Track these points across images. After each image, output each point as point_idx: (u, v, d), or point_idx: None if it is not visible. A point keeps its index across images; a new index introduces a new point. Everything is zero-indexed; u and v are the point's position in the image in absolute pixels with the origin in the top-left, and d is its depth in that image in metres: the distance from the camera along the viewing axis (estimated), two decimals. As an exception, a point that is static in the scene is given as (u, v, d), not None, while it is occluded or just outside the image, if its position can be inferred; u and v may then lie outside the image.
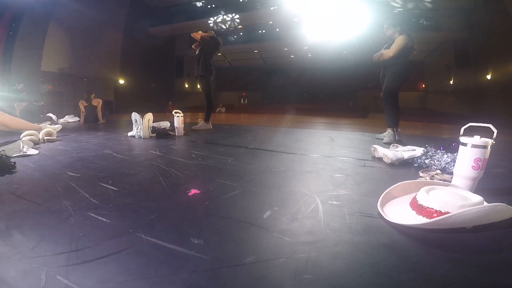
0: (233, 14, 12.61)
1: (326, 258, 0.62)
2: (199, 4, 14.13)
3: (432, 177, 1.23)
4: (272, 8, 10.80)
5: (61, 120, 4.71)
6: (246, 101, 21.40)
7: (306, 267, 0.58)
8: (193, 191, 1.07)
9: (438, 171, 1.27)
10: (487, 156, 0.97)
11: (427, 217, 0.76)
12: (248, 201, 0.99)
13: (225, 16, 12.50)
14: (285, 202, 0.97)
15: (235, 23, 12.67)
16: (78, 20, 10.82)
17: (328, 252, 0.64)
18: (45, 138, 2.32)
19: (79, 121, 4.79)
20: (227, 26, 12.76)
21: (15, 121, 2.45)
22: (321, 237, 0.71)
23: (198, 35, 3.39)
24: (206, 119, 3.47)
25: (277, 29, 14.66)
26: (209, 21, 12.78)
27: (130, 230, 0.74)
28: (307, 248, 0.65)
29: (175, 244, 0.67)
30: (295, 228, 0.76)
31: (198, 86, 3.52)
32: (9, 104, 5.01)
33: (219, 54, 3.70)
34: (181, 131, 2.78)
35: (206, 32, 3.48)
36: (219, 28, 12.47)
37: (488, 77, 9.19)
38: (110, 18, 12.15)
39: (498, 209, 0.72)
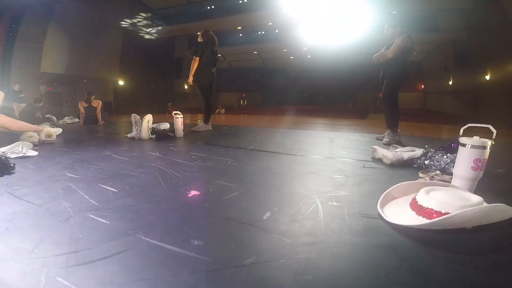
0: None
1: (326, 259, 0.62)
2: (198, 5, 14.14)
3: (431, 178, 1.23)
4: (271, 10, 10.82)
5: (60, 122, 4.71)
6: (245, 102, 21.46)
7: (306, 268, 0.58)
8: (193, 193, 1.07)
9: (438, 172, 1.27)
10: (487, 156, 0.98)
11: (427, 218, 0.76)
12: (248, 202, 0.99)
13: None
14: (285, 203, 0.97)
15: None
16: (78, 21, 10.83)
17: (328, 253, 0.64)
18: (44, 139, 2.32)
19: (78, 122, 4.79)
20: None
21: (15, 123, 2.44)
22: (321, 238, 0.71)
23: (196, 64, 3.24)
24: (206, 121, 3.47)
25: (276, 30, 14.70)
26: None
27: (130, 232, 0.74)
28: (307, 249, 0.65)
29: (175, 246, 0.67)
30: (295, 229, 0.76)
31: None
32: (8, 105, 5.00)
33: (218, 55, 3.64)
34: (181, 133, 2.78)
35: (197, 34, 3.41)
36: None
37: (487, 77, 9.22)
38: (110, 19, 12.16)
39: (498, 210, 0.72)
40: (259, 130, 3.60)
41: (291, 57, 17.86)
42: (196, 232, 0.74)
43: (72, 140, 2.67)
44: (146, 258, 0.62)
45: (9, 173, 1.32)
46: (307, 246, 0.67)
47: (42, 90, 10.88)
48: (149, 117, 2.61)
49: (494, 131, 1.00)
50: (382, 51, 2.61)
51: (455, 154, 1.10)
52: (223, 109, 12.64)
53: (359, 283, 0.54)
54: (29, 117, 4.45)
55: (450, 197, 0.80)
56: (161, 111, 10.98)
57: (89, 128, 3.88)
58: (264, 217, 0.84)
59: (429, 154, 1.52)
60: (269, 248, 0.67)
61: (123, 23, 13.22)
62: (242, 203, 0.97)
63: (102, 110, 4.88)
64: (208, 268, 0.58)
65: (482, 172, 0.99)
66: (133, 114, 2.65)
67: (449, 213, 0.72)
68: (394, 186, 0.98)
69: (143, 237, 0.71)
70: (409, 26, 2.68)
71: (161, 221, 0.82)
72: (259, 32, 15.62)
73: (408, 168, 1.49)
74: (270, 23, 13.66)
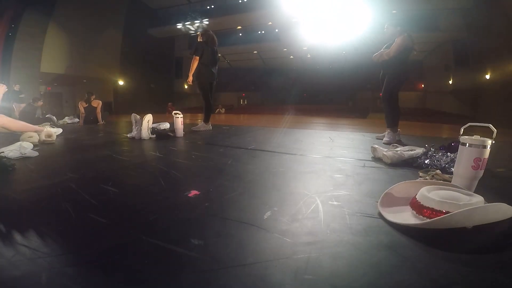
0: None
1: (327, 258, 0.62)
2: (198, 5, 14.14)
3: (432, 177, 1.22)
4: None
5: (60, 122, 4.72)
6: (245, 102, 21.45)
7: (307, 267, 0.58)
8: (193, 192, 1.07)
9: (438, 171, 1.27)
10: (487, 155, 0.97)
11: (428, 217, 0.76)
12: (248, 201, 0.99)
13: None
14: (285, 202, 0.97)
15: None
16: (78, 21, 10.83)
17: (329, 252, 0.64)
18: (44, 139, 2.32)
19: (78, 122, 4.80)
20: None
21: (15, 123, 2.45)
22: (321, 238, 0.71)
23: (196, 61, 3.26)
24: (206, 120, 3.47)
25: (276, 30, 14.70)
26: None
27: (130, 231, 0.74)
28: (307, 249, 0.65)
29: (175, 245, 0.67)
30: (295, 228, 0.76)
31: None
32: (8, 105, 5.00)
33: (219, 54, 3.64)
34: (181, 132, 2.78)
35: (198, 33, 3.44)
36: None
37: (487, 77, 9.21)
38: (109, 19, 12.16)
39: (498, 209, 0.72)
40: (259, 130, 3.60)
41: (291, 57, 17.85)
42: (196, 232, 0.74)
43: (72, 140, 2.67)
44: (146, 257, 0.62)
45: (10, 174, 1.32)
46: (308, 246, 0.67)
47: (42, 90, 10.87)
48: (149, 117, 2.61)
49: (494, 130, 0.99)
50: (382, 50, 2.61)
51: (455, 153, 1.09)
52: (223, 109, 12.66)
53: (360, 283, 0.54)
54: (29, 117, 4.45)
55: (451, 196, 0.80)
56: (161, 111, 10.98)
57: (89, 128, 3.88)
58: (264, 217, 0.83)
59: (429, 153, 1.52)
60: (269, 247, 0.67)
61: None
62: (242, 203, 0.97)
63: (102, 110, 4.88)
64: (208, 267, 0.58)
65: (483, 171, 0.99)
66: (133, 114, 2.65)
67: (450, 213, 0.72)
68: (395, 185, 0.97)
69: (143, 237, 0.70)
70: (409, 26, 2.68)
71: (161, 220, 0.82)
72: (259, 32, 15.62)
73: (408, 168, 1.49)
74: (270, 23, 13.67)
